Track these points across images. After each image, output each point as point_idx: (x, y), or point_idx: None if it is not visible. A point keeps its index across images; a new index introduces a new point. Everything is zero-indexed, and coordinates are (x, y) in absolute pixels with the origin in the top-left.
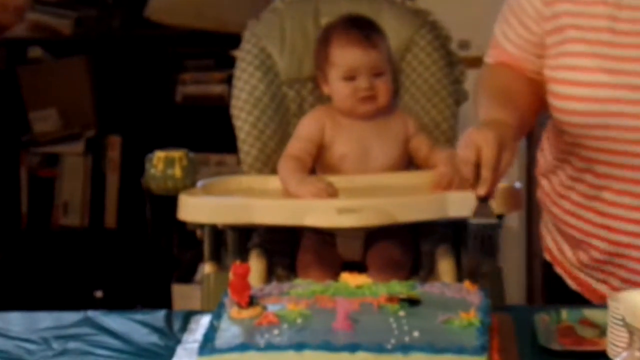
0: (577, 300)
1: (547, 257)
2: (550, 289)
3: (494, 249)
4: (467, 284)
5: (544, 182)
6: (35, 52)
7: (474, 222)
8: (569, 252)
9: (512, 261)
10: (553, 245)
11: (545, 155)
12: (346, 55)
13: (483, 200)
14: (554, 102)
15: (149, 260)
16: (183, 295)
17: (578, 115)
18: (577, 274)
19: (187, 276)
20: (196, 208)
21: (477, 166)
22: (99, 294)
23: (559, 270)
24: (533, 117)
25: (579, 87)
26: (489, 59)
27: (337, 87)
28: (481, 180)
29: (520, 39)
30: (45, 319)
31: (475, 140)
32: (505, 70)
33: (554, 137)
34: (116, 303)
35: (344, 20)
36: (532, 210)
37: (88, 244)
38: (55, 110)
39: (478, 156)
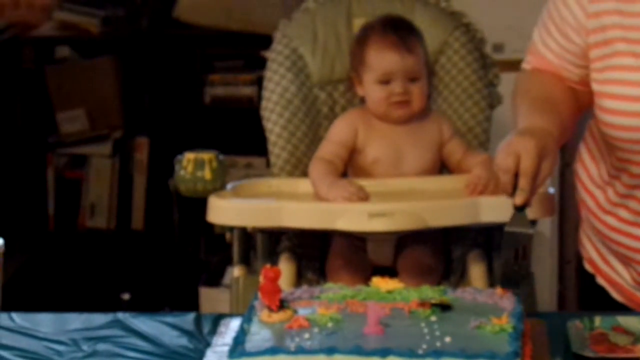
0: (611, 305)
1: (589, 268)
2: (585, 295)
3: (528, 257)
4: (499, 289)
5: (586, 197)
6: (63, 51)
7: (509, 231)
8: (618, 266)
9: (544, 267)
10: (598, 258)
11: (587, 168)
12: (382, 59)
13: (520, 209)
14: (602, 116)
15: (176, 263)
16: (210, 298)
17: (627, 130)
18: (624, 286)
19: (215, 279)
20: (226, 211)
21: (516, 175)
22: (126, 296)
23: (602, 282)
24: (573, 123)
25: (628, 102)
26: (527, 65)
27: (371, 91)
28: (519, 189)
29: (561, 48)
30: (75, 321)
31: (515, 149)
32: (544, 76)
33: (601, 154)
34: (143, 305)
35: (381, 21)
36: (564, 216)
37: (115, 246)
38: (83, 111)
39: (517, 165)
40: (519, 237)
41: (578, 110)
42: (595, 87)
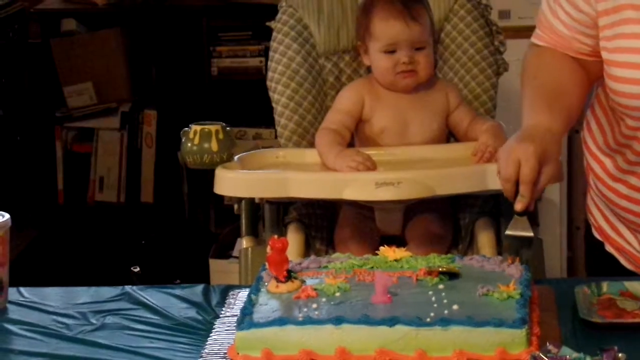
0: (620, 272)
1: (598, 236)
2: (593, 261)
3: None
4: (508, 257)
5: (594, 164)
6: (69, 24)
7: (509, 234)
8: (627, 234)
9: (553, 233)
10: (606, 226)
11: (597, 136)
12: (387, 29)
13: (521, 214)
14: (612, 84)
15: (186, 236)
16: (220, 270)
17: (637, 98)
18: (633, 252)
19: (225, 251)
20: (233, 182)
21: (517, 182)
22: (136, 269)
23: (611, 249)
24: (580, 110)
25: (638, 70)
26: (537, 40)
27: (377, 60)
28: (519, 196)
29: (570, 19)
30: (83, 294)
31: (516, 157)
32: (553, 58)
33: (610, 121)
34: (153, 278)
35: None
36: (572, 183)
37: (125, 219)
38: (90, 84)
39: (517, 172)
40: (519, 241)
41: (588, 88)
42: (605, 55)
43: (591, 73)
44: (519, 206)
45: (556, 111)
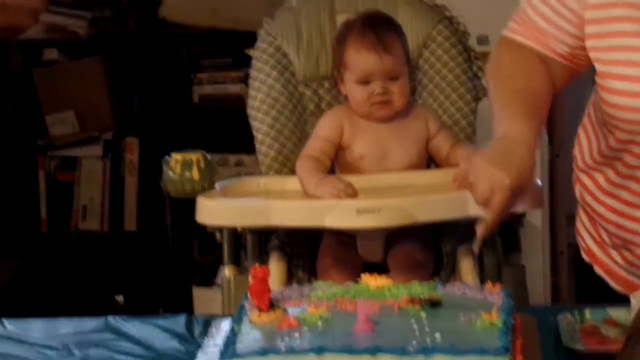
0: (609, 294)
1: (587, 258)
2: (582, 285)
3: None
4: (489, 284)
5: (586, 180)
6: (51, 53)
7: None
8: (612, 251)
9: (535, 259)
10: (595, 247)
11: (585, 151)
12: (360, 60)
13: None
14: (607, 97)
15: (169, 264)
16: (204, 299)
17: (632, 111)
18: (621, 274)
19: (208, 279)
20: (214, 211)
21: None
22: (119, 298)
23: (600, 271)
24: (547, 113)
25: (635, 83)
26: (511, 33)
27: (352, 91)
28: (483, 220)
29: (555, 14)
30: (66, 325)
31: (491, 184)
32: (528, 62)
33: (602, 134)
34: (137, 307)
35: (360, 19)
36: (555, 207)
37: (108, 248)
38: (72, 113)
39: (490, 198)
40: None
41: (552, 94)
42: (599, 67)
43: (556, 80)
44: (480, 230)
45: (532, 120)
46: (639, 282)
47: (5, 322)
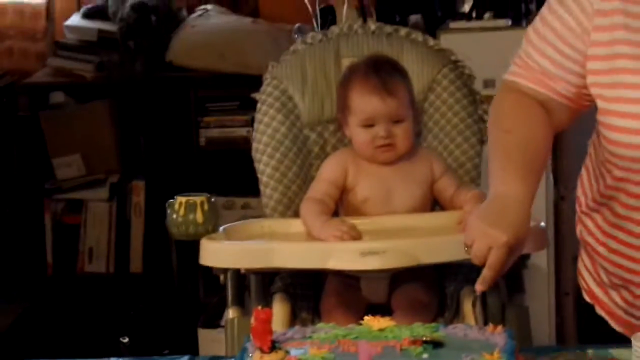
0: (611, 335)
1: (588, 299)
2: (584, 325)
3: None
4: (491, 325)
5: (587, 221)
6: (58, 97)
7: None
8: (612, 292)
9: (540, 300)
10: (596, 288)
11: (587, 192)
12: (363, 104)
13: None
14: (608, 134)
15: (175, 305)
16: (209, 340)
17: (634, 148)
18: (620, 314)
19: (213, 321)
20: (218, 253)
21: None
22: (125, 339)
23: (601, 312)
24: (546, 162)
25: (635, 120)
26: (513, 77)
27: (356, 134)
28: (482, 278)
29: (560, 55)
30: None
31: (488, 242)
32: (528, 110)
33: (600, 173)
34: (143, 349)
35: (365, 63)
36: (560, 248)
37: (114, 290)
38: (79, 156)
39: (487, 256)
40: None
41: (551, 145)
42: (601, 104)
43: (559, 122)
44: (479, 287)
45: (528, 179)
46: (637, 322)
47: None
